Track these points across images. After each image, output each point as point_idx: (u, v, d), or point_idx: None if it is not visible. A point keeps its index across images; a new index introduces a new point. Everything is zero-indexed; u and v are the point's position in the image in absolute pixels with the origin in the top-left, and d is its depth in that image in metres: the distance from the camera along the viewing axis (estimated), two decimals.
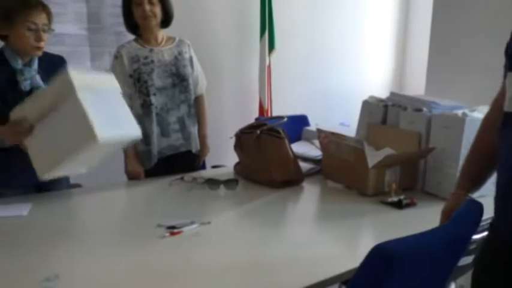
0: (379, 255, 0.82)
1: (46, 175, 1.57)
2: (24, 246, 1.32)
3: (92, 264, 1.21)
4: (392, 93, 2.05)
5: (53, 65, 1.76)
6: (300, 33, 3.55)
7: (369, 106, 2.07)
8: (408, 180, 1.80)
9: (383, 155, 1.72)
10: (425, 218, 1.51)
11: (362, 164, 1.72)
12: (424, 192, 1.79)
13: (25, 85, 1.68)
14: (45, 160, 1.56)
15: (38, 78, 1.71)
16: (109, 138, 1.54)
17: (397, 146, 1.82)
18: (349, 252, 1.34)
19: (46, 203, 1.64)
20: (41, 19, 1.65)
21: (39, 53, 1.69)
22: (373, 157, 1.71)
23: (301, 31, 3.56)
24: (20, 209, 1.55)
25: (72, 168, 1.68)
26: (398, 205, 1.61)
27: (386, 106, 1.98)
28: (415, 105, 1.85)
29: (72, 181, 1.94)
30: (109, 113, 1.60)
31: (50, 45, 1.74)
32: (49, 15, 1.69)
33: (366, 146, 1.74)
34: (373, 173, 1.71)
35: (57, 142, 1.54)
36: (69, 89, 1.49)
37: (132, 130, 1.71)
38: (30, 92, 1.69)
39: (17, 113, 1.57)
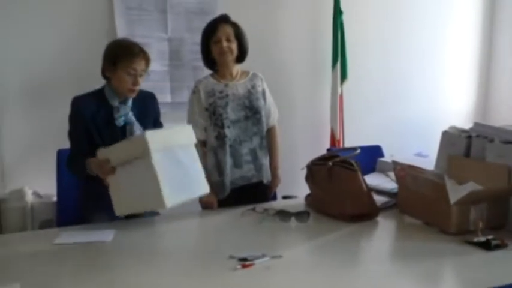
0: None
1: (121, 214, 1.75)
2: (104, 270, 1.40)
3: None
4: (476, 124, 1.92)
5: (144, 102, 1.94)
6: (374, 61, 3.48)
7: (450, 137, 1.96)
8: (497, 219, 1.64)
9: (467, 190, 1.59)
10: None
11: (443, 200, 1.61)
12: None
13: (119, 121, 1.85)
14: (121, 203, 1.73)
15: (131, 115, 1.87)
16: (176, 203, 1.68)
17: (483, 180, 1.68)
18: None
19: (128, 230, 1.74)
20: (140, 65, 1.82)
21: (133, 95, 1.86)
22: (455, 192, 1.59)
23: (375, 59, 3.48)
24: (105, 235, 1.66)
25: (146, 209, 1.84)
26: (487, 246, 1.47)
27: (469, 137, 1.86)
28: (504, 137, 1.71)
29: None
30: (180, 175, 1.72)
31: None
32: (148, 61, 1.87)
33: (447, 180, 1.63)
34: (456, 209, 1.59)
35: (132, 193, 1.69)
36: (146, 152, 1.62)
37: (200, 187, 1.83)
38: (123, 128, 1.86)
39: (102, 154, 1.73)
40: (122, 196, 1.72)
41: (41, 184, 2.55)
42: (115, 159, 1.70)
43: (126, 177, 1.70)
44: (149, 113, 1.96)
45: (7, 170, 2.60)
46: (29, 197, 2.49)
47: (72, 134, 1.87)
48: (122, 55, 1.81)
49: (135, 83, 1.82)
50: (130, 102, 1.88)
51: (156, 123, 2.01)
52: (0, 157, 2.56)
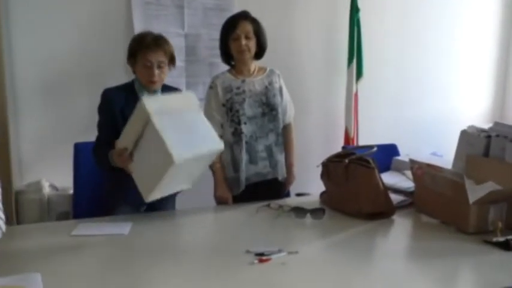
0: None
1: (150, 197, 1.69)
2: (121, 263, 1.42)
3: (183, 286, 1.26)
4: (496, 123, 1.89)
5: None
6: (390, 60, 3.44)
7: (469, 136, 1.93)
8: None
9: (486, 190, 1.58)
10: None
11: (461, 199, 1.59)
12: None
13: None
14: (145, 184, 1.68)
15: None
16: (187, 158, 1.59)
17: (502, 180, 1.66)
18: None
19: (145, 224, 1.75)
20: (156, 57, 1.81)
21: (154, 86, 1.85)
22: (474, 192, 1.58)
23: (391, 57, 3.45)
24: (122, 228, 1.67)
25: (174, 188, 1.79)
26: (506, 246, 1.46)
27: (489, 137, 1.83)
28: None
29: None
30: (187, 132, 1.66)
31: None
32: (165, 52, 1.84)
33: (466, 180, 1.61)
34: (474, 209, 1.58)
35: (149, 167, 1.65)
36: (146, 116, 1.59)
37: (213, 143, 1.75)
38: None
39: (119, 143, 1.72)
40: (144, 177, 1.67)
41: (57, 177, 2.58)
42: (130, 142, 1.68)
43: (142, 156, 1.66)
44: None
45: (25, 163, 2.64)
46: (46, 190, 2.53)
47: (100, 125, 1.87)
48: (136, 48, 1.83)
49: (150, 74, 1.81)
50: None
51: None
52: (18, 150, 2.60)
